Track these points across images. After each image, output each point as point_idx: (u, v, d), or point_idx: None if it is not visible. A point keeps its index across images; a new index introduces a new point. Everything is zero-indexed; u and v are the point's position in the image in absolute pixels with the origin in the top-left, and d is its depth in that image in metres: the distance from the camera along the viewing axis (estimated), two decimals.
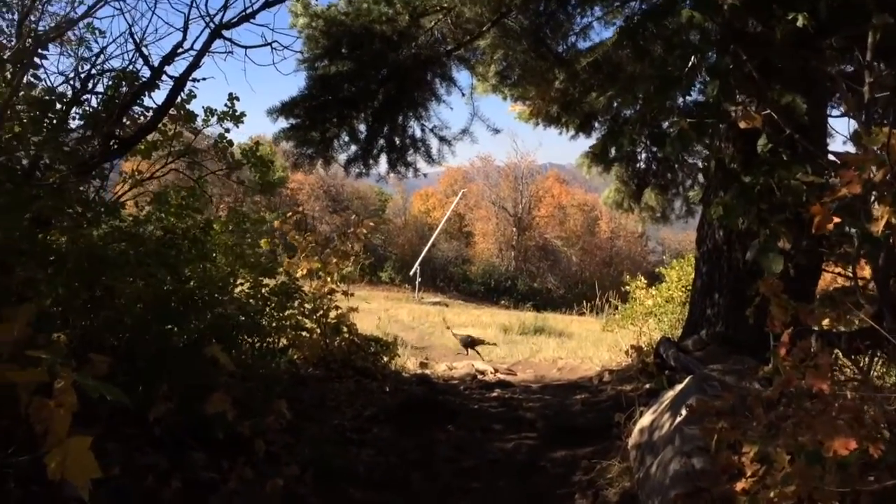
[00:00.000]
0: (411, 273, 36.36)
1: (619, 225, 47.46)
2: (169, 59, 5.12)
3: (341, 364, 7.02)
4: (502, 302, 38.44)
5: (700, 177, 9.84)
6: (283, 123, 6.70)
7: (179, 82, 5.35)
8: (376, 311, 22.78)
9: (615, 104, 8.81)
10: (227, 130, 6.20)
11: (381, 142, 7.06)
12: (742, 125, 2.91)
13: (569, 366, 10.05)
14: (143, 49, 5.02)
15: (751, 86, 3.11)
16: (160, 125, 5.69)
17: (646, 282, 10.81)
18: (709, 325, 7.01)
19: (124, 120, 5.48)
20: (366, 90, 6.50)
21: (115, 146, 5.18)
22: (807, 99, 3.61)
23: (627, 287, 11.25)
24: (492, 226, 48.98)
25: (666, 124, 8.54)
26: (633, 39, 4.12)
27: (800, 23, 3.24)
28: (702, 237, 7.40)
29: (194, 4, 5.34)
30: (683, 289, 9.89)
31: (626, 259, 49.26)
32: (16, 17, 5.87)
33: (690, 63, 3.62)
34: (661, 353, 7.13)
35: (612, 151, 8.61)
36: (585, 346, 12.40)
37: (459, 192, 46.48)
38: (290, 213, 7.52)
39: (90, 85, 5.30)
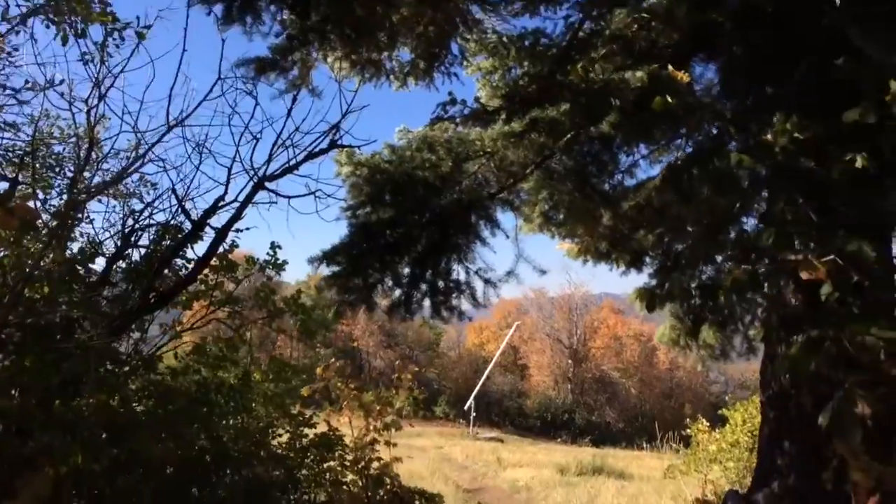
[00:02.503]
0: (465, 407, 35.49)
1: (678, 355, 46.02)
2: (210, 213, 5.15)
3: None
4: (560, 438, 37.02)
5: (760, 311, 9.39)
6: (325, 271, 6.67)
7: (221, 234, 5.35)
8: (429, 449, 22.14)
9: (665, 240, 8.60)
10: (270, 279, 6.17)
11: (424, 287, 6.93)
12: (804, 276, 2.64)
13: None
14: (184, 204, 5.05)
15: (810, 232, 2.87)
16: (202, 276, 5.69)
17: (708, 425, 10.12)
18: (780, 477, 6.40)
19: (166, 272, 5.48)
20: (408, 235, 6.44)
21: (154, 299, 5.14)
22: (874, 245, 3.30)
23: (688, 430, 10.56)
24: (547, 358, 48.06)
25: (720, 258, 8.27)
26: (678, 184, 3.90)
27: (859, 164, 3.03)
28: (766, 380, 6.91)
29: (238, 159, 5.43)
30: (749, 433, 9.23)
31: (688, 390, 47.59)
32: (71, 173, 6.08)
33: (738, 206, 3.43)
34: None
35: (659, 299, 8.31)
36: (647, 493, 11.60)
37: (513, 325, 46.01)
38: (333, 360, 7.33)
39: (132, 239, 5.36)
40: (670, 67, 4.70)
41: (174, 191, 5.01)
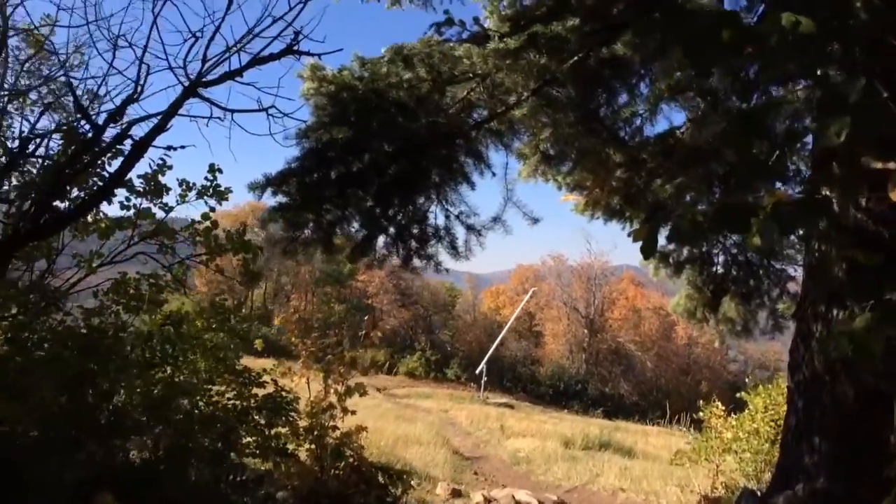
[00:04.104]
0: (477, 371, 34.76)
1: (697, 331, 45.02)
2: (116, 114, 4.16)
3: (335, 499, 5.65)
4: (571, 407, 36.27)
5: (790, 286, 8.32)
6: (271, 201, 5.61)
7: (140, 146, 4.38)
8: (434, 411, 21.53)
9: (689, 196, 7.50)
10: (212, 209, 5.23)
11: (393, 229, 5.86)
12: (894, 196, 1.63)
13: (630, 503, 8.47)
14: (82, 103, 4.08)
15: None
16: (123, 201, 4.78)
17: (723, 409, 9.03)
18: (807, 478, 5.40)
19: (77, 192, 4.57)
20: (374, 164, 5.37)
21: (48, 220, 4.22)
22: None
23: (701, 413, 9.49)
24: (562, 326, 47.25)
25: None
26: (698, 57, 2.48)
27: None
28: (796, 362, 5.85)
29: (165, 56, 4.43)
30: (772, 422, 8.14)
31: (705, 367, 46.77)
32: None
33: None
34: None
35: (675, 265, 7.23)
36: (652, 476, 10.67)
37: (530, 291, 45.09)
38: (293, 311, 6.42)
39: (30, 148, 4.43)
40: None
41: (69, 85, 4.03)
